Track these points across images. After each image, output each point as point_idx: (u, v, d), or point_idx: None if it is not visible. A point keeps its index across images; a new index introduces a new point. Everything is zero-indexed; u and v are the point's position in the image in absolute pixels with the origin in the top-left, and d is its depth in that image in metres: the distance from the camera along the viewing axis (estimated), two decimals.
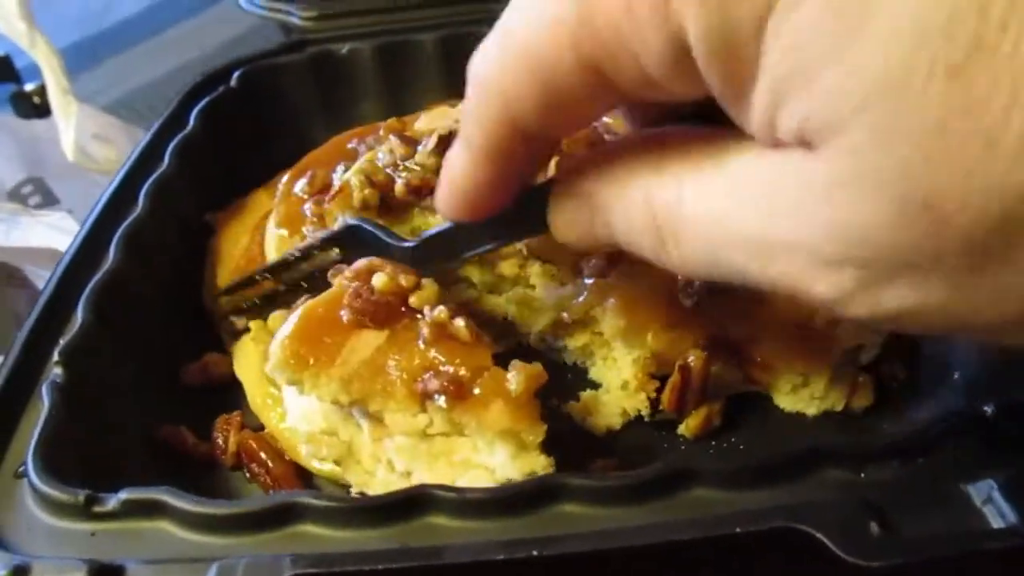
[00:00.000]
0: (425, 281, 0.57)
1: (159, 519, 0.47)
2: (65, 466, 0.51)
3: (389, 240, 0.60)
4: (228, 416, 0.63)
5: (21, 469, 0.51)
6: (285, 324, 0.57)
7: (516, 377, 0.52)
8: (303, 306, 0.57)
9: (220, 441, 0.61)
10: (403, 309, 0.56)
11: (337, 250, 0.65)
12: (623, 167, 0.39)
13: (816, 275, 0.32)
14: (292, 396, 0.60)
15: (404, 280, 0.56)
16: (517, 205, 0.45)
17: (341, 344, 0.54)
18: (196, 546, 0.46)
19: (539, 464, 0.52)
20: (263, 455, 0.59)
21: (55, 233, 1.01)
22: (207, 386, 0.68)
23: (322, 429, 0.58)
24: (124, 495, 0.48)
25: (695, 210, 0.36)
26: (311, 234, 0.69)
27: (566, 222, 0.44)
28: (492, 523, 0.45)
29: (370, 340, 0.55)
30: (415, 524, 0.45)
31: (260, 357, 0.64)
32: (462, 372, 0.52)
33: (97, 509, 0.47)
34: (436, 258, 0.57)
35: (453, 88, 0.96)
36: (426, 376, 0.52)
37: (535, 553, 0.41)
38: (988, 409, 0.47)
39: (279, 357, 0.54)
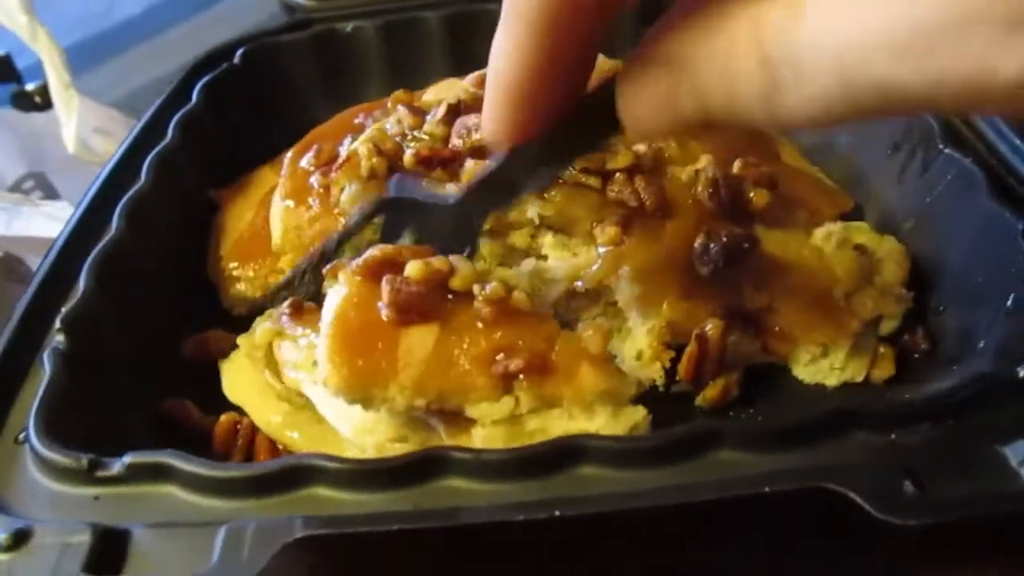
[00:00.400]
0: (455, 260, 0.54)
1: (165, 483, 0.46)
2: (67, 432, 0.49)
3: (428, 200, 0.56)
4: (238, 420, 0.60)
5: (22, 435, 0.50)
6: (321, 341, 0.52)
7: (592, 338, 0.51)
8: (332, 316, 0.52)
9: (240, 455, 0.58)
10: (449, 296, 0.53)
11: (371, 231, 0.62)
12: (711, 10, 0.32)
13: (1001, 50, 0.26)
14: (340, 410, 0.55)
15: (438, 263, 0.53)
16: (577, 111, 0.40)
17: (395, 347, 0.50)
18: (203, 510, 0.45)
19: (639, 415, 0.52)
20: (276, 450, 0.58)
21: (57, 224, 0.99)
22: (207, 360, 0.67)
23: (390, 438, 0.54)
24: (129, 459, 0.46)
25: (818, 21, 0.29)
26: (348, 216, 0.66)
27: (642, 100, 0.36)
28: (510, 485, 0.43)
29: (424, 335, 0.51)
30: (430, 487, 0.44)
31: (257, 373, 0.61)
32: (538, 345, 0.50)
33: (101, 473, 0.46)
34: (488, 206, 0.53)
35: (459, 67, 0.95)
36: (500, 358, 0.50)
37: (557, 514, 0.40)
38: (1022, 371, 0.45)
39: (337, 380, 0.50)
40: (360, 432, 0.55)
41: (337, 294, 0.54)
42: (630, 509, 0.40)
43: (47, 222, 0.99)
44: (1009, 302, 0.54)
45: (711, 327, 0.59)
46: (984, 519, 0.40)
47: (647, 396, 0.62)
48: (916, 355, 0.62)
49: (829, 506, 0.40)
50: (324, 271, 0.57)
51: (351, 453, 0.54)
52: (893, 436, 0.44)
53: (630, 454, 0.44)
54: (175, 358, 0.66)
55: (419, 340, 0.51)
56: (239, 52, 0.90)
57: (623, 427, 0.50)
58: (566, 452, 0.44)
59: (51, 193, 1.16)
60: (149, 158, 0.72)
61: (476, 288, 0.52)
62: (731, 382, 0.60)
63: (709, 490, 0.41)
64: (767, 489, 0.40)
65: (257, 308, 0.71)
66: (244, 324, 0.70)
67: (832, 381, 0.61)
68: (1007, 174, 0.59)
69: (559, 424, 0.51)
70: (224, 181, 0.82)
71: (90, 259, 0.61)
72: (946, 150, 0.63)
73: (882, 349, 0.61)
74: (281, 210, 0.72)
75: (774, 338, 0.61)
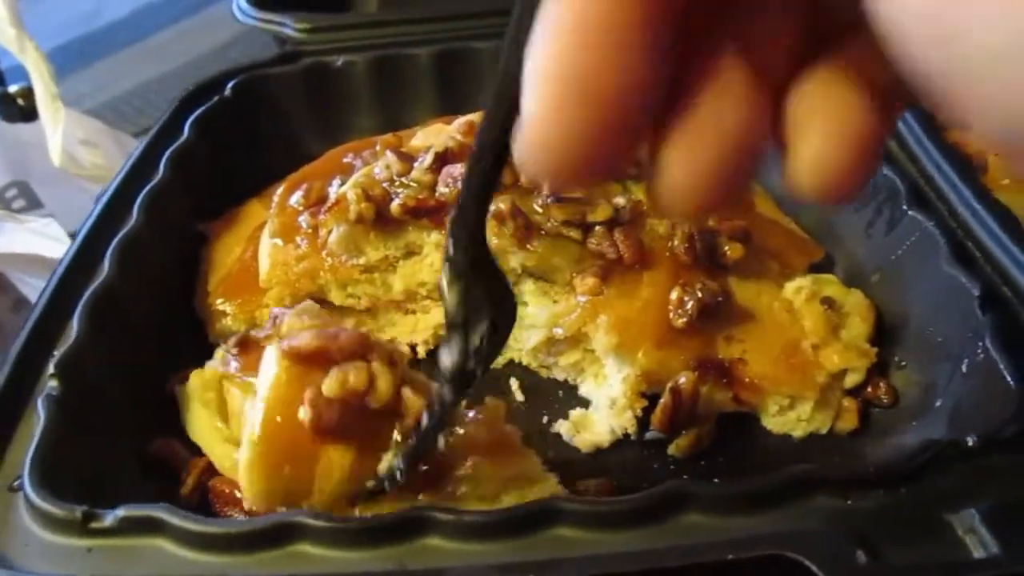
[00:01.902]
0: (378, 370, 0.51)
1: (157, 536, 0.47)
2: (61, 480, 0.51)
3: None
4: (197, 459, 0.61)
5: (16, 483, 0.51)
6: (244, 449, 0.52)
7: (484, 422, 0.55)
8: (259, 417, 0.51)
9: (182, 491, 0.60)
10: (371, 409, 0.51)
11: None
12: None
13: None
14: None
15: (355, 379, 0.50)
16: None
17: (313, 465, 0.51)
18: (193, 564, 0.46)
19: (551, 487, 0.55)
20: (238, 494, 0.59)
21: (40, 239, 1.01)
22: None
23: None
24: (122, 512, 0.48)
25: None
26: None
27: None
28: (489, 545, 0.46)
29: (342, 457, 0.51)
30: (413, 545, 0.46)
31: (211, 418, 0.62)
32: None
33: (94, 525, 0.48)
34: None
35: (448, 103, 0.97)
36: None
37: None
38: (971, 440, 0.48)
39: (253, 496, 0.52)
40: None
41: (268, 372, 0.53)
42: (602, 574, 0.43)
43: (30, 237, 1.00)
44: (964, 366, 0.57)
45: (684, 380, 0.61)
46: None
47: (620, 443, 0.64)
48: (878, 408, 0.65)
49: (789, 572, 0.43)
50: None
51: None
52: (849, 501, 0.47)
53: (604, 516, 0.46)
54: (164, 396, 0.68)
55: (337, 460, 0.51)
56: (230, 85, 0.91)
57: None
58: (544, 514, 0.46)
59: (34, 203, 1.17)
60: (141, 196, 0.74)
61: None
62: (703, 432, 0.62)
63: (678, 555, 0.43)
64: (730, 556, 0.42)
65: None
66: None
67: (798, 432, 0.64)
68: (965, 237, 0.62)
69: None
70: (214, 213, 0.84)
71: (83, 301, 0.62)
72: (910, 212, 0.66)
73: (846, 402, 0.64)
74: (270, 247, 0.74)
75: (744, 389, 0.64)
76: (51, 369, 0.57)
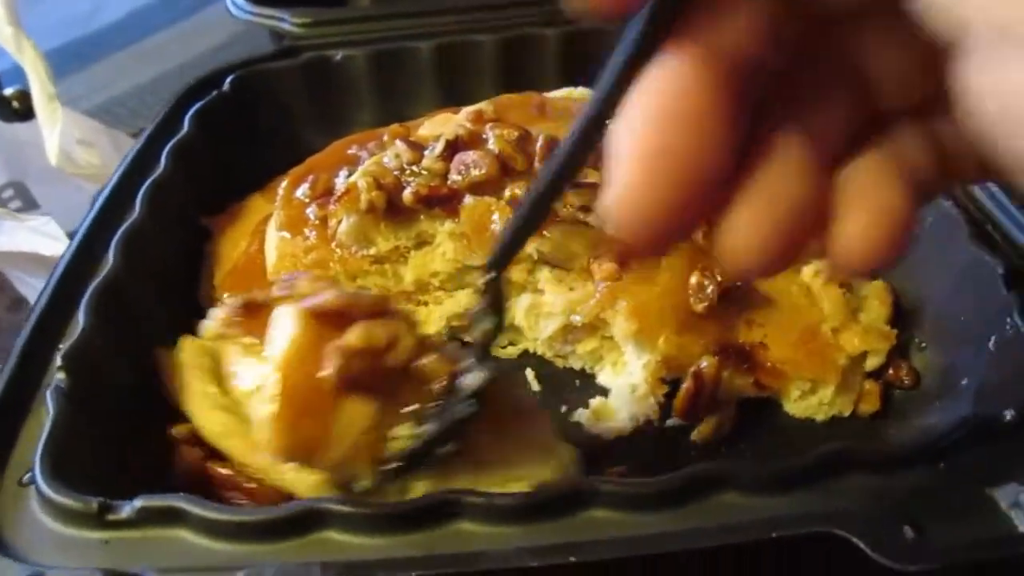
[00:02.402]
0: (400, 327, 0.51)
1: (177, 527, 0.46)
2: (74, 473, 0.49)
3: None
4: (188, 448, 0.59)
5: (27, 477, 0.49)
6: (268, 399, 0.49)
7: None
8: (281, 373, 0.49)
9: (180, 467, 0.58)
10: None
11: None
12: None
13: None
14: None
15: (379, 332, 0.50)
16: None
17: (334, 418, 0.49)
18: (215, 554, 0.45)
19: (567, 456, 0.53)
20: (240, 479, 0.57)
21: (38, 237, 0.99)
22: None
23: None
24: (140, 502, 0.46)
25: None
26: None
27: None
28: (521, 528, 0.44)
29: (363, 411, 0.49)
30: (444, 530, 0.44)
31: (202, 383, 0.59)
32: None
33: (111, 517, 0.46)
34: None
35: (449, 97, 0.96)
36: None
37: (572, 559, 0.41)
38: (1008, 415, 0.47)
39: (276, 448, 0.49)
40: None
41: (286, 332, 0.51)
42: (643, 554, 0.41)
43: (28, 236, 0.98)
44: (991, 344, 0.57)
45: (707, 364, 0.61)
46: (980, 564, 0.41)
47: (641, 430, 0.63)
48: (900, 390, 0.64)
49: (830, 551, 0.42)
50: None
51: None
52: (887, 478, 0.46)
53: (638, 498, 0.45)
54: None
55: (357, 414, 0.49)
56: (229, 79, 0.90)
57: (552, 472, 0.52)
58: (578, 496, 0.45)
59: (30, 203, 1.16)
60: (143, 188, 0.72)
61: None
62: (725, 418, 0.62)
63: (719, 535, 0.42)
64: (775, 534, 0.41)
65: None
66: None
67: (821, 416, 0.63)
68: (985, 220, 0.61)
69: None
70: (216, 208, 0.82)
71: (88, 293, 0.61)
72: None
73: (867, 385, 0.63)
74: (277, 240, 0.73)
75: (765, 373, 0.63)
76: (58, 362, 0.55)
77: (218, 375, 0.59)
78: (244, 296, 0.59)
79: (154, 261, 0.69)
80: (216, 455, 0.58)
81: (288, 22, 0.99)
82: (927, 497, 0.45)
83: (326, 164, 0.79)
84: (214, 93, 0.88)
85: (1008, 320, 0.55)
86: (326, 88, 0.96)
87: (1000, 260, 0.58)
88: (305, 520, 0.45)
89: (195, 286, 0.75)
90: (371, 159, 0.72)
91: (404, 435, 0.50)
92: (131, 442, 0.58)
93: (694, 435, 0.61)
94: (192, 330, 0.71)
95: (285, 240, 0.72)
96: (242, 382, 0.57)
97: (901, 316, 0.67)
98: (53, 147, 1.08)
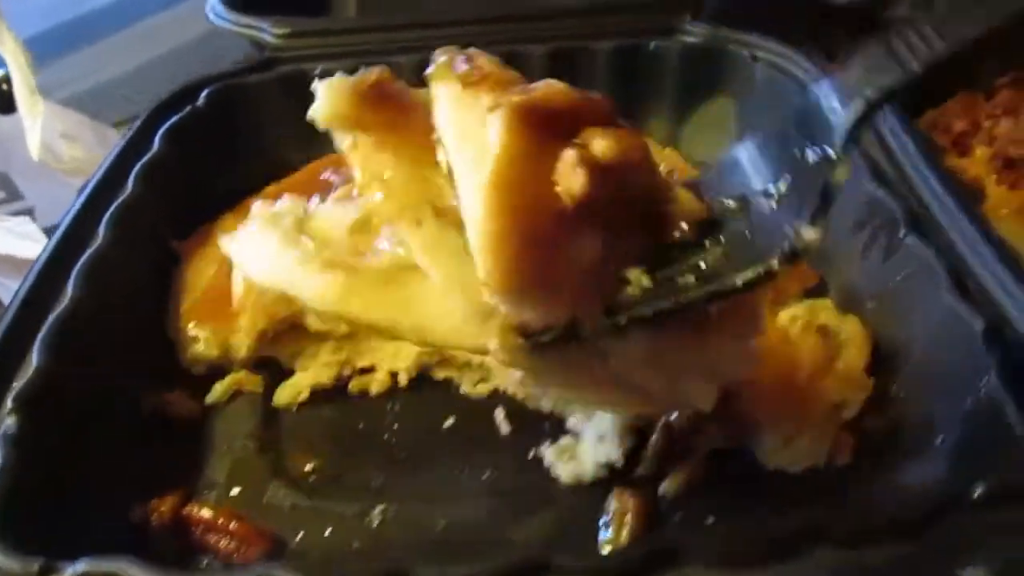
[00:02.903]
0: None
1: None
2: (19, 528, 0.48)
3: None
4: (160, 499, 0.59)
5: None
6: (483, 215, 0.40)
7: None
8: (494, 179, 0.40)
9: (155, 519, 0.58)
10: None
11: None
12: None
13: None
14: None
15: (633, 142, 0.43)
16: None
17: (565, 252, 0.41)
18: None
19: None
20: (222, 520, 0.57)
21: (14, 239, 0.98)
22: (168, 424, 0.66)
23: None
24: (83, 566, 0.45)
25: None
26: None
27: None
28: None
29: (593, 244, 0.41)
30: None
31: (289, 245, 0.53)
32: None
33: None
34: None
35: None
36: None
37: None
38: (977, 492, 0.46)
39: (500, 282, 0.40)
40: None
41: (494, 134, 0.41)
42: None
43: (4, 237, 0.97)
44: (968, 402, 0.55)
45: (677, 415, 0.59)
46: None
47: (608, 477, 0.62)
48: (875, 441, 0.63)
49: None
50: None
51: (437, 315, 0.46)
52: (855, 553, 0.45)
53: (598, 572, 0.44)
54: (136, 424, 0.64)
55: (590, 248, 0.41)
56: (203, 94, 0.88)
57: None
58: (537, 568, 0.44)
59: (14, 194, 1.14)
60: (108, 214, 0.70)
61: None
62: (695, 470, 0.60)
63: None
64: None
65: (215, 368, 0.70)
66: (206, 383, 0.70)
67: (794, 467, 0.62)
68: (964, 271, 0.60)
69: None
70: (188, 229, 0.80)
71: (44, 331, 0.59)
72: (907, 240, 0.64)
73: (843, 436, 0.62)
74: None
75: (738, 424, 0.61)
76: (9, 404, 0.54)
77: (305, 231, 0.53)
78: (380, 68, 0.51)
79: (118, 291, 0.68)
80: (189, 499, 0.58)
81: (268, 32, 0.96)
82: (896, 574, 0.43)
83: (298, 189, 0.77)
84: (188, 108, 0.86)
85: (983, 382, 0.54)
86: (304, 102, 0.93)
87: (979, 316, 0.57)
88: None
89: (164, 312, 0.74)
90: (340, 190, 0.70)
91: (638, 279, 0.43)
92: (89, 493, 0.56)
93: (662, 488, 0.60)
94: (161, 362, 0.70)
95: None
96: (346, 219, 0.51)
97: (880, 363, 0.66)
98: (35, 141, 1.07)
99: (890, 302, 0.66)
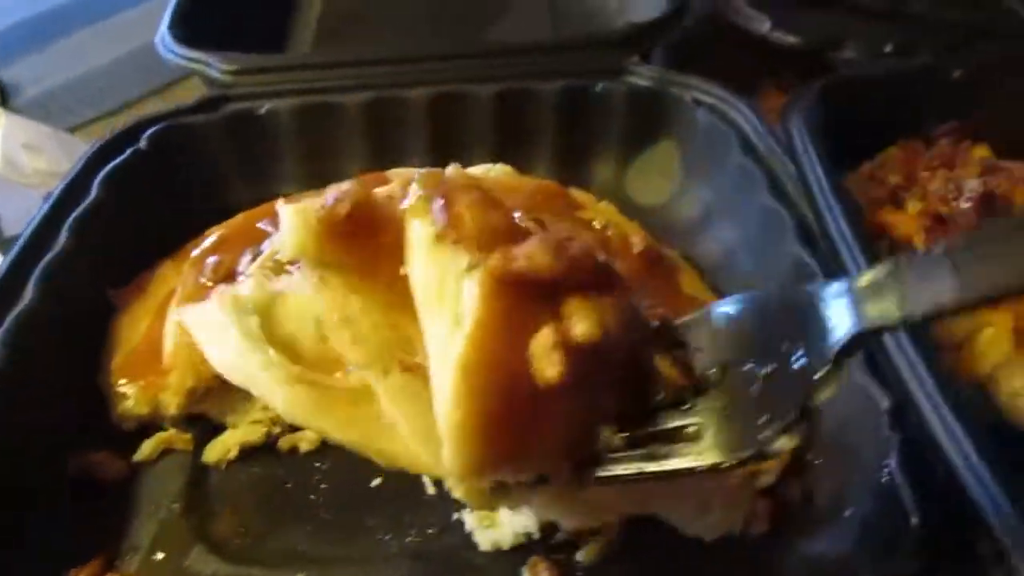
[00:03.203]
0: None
1: None
2: None
3: None
4: (79, 569, 0.59)
5: None
6: (445, 398, 0.39)
7: None
8: (461, 365, 0.38)
9: None
10: None
11: None
12: None
13: None
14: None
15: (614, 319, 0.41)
16: None
17: (542, 426, 0.40)
18: None
19: None
20: None
21: None
22: (94, 488, 0.66)
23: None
24: None
25: None
26: None
27: None
28: None
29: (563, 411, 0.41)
30: None
31: (254, 351, 0.52)
32: None
33: None
34: None
35: (377, 156, 0.94)
36: None
37: None
38: None
39: (462, 479, 0.41)
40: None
41: (467, 302, 0.39)
42: None
43: None
44: (874, 480, 0.56)
45: None
46: None
47: (524, 546, 0.63)
48: (792, 508, 0.64)
49: None
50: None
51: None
52: None
53: None
54: (60, 489, 0.65)
55: (565, 414, 0.39)
56: (145, 135, 0.88)
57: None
58: None
59: None
60: (37, 270, 0.70)
61: None
62: (612, 539, 0.61)
63: None
64: None
65: (147, 424, 0.71)
66: (137, 440, 0.70)
67: (709, 535, 0.63)
68: (877, 350, 0.61)
69: None
70: (130, 273, 0.80)
71: None
72: None
73: (759, 505, 0.63)
74: (175, 326, 0.71)
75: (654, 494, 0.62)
76: None
77: (274, 337, 0.52)
78: (353, 193, 0.45)
79: (46, 350, 0.68)
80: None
81: (216, 68, 0.96)
82: None
83: (233, 239, 0.78)
84: (128, 152, 0.86)
85: (886, 465, 0.55)
86: (251, 143, 0.94)
87: (886, 395, 0.58)
88: None
89: (99, 366, 0.74)
90: (269, 249, 0.70)
91: (608, 440, 0.42)
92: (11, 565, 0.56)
93: (579, 556, 0.61)
94: (92, 422, 0.70)
95: (183, 327, 0.70)
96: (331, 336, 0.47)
97: None
98: None
99: None
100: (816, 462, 0.64)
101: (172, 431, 0.70)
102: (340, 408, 0.49)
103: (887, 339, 0.60)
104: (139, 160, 0.86)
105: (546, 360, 0.38)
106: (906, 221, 0.79)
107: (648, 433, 0.44)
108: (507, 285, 0.39)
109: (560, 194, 0.80)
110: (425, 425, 0.43)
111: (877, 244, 0.78)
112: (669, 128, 0.93)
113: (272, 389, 0.51)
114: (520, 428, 0.39)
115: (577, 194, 0.83)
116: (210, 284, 0.72)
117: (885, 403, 0.57)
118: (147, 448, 0.69)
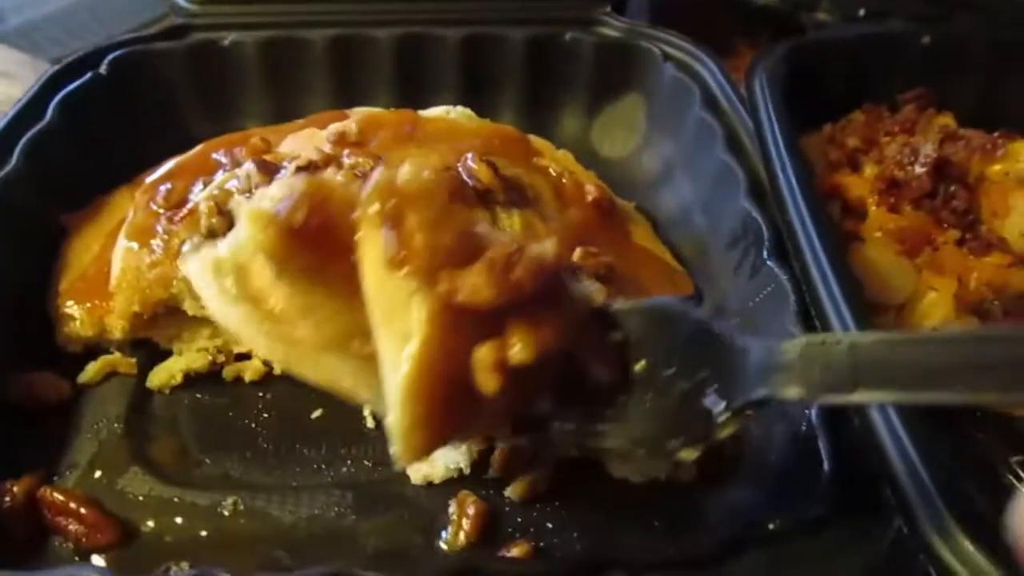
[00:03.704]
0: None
1: None
2: None
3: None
4: (15, 480, 0.60)
5: None
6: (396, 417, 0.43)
7: None
8: (406, 392, 0.43)
9: (7, 500, 0.59)
10: None
11: None
12: None
13: None
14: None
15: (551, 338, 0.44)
16: None
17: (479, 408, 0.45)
18: None
19: None
20: (72, 504, 0.58)
21: None
22: (33, 405, 0.66)
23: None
24: None
25: None
26: None
27: None
28: None
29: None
30: None
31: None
32: None
33: None
34: None
35: (341, 94, 0.94)
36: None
37: None
38: (772, 524, 0.49)
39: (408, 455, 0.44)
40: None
41: (415, 324, 0.42)
42: None
43: None
44: (797, 429, 0.58)
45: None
46: None
47: (454, 479, 0.64)
48: (722, 456, 0.65)
49: None
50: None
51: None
52: None
53: None
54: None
55: (502, 404, 0.44)
56: (106, 60, 0.87)
57: None
58: None
59: None
60: None
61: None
62: (540, 478, 0.62)
63: None
64: None
65: (93, 347, 0.71)
66: (78, 362, 0.70)
67: (637, 478, 0.64)
68: (812, 301, 0.62)
69: None
70: (85, 201, 0.80)
71: None
72: (768, 262, 0.66)
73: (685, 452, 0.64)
74: (123, 250, 0.71)
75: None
76: None
77: (250, 293, 0.53)
78: (308, 196, 0.46)
79: None
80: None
81: None
82: None
83: (189, 168, 0.77)
84: (88, 75, 0.85)
85: (806, 414, 0.56)
86: (213, 74, 0.93)
87: None
88: None
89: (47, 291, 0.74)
90: (219, 179, 0.70)
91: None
92: None
93: (508, 491, 0.62)
94: (38, 344, 0.70)
95: (131, 251, 0.70)
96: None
97: None
98: None
99: (749, 322, 0.68)
100: (749, 413, 0.65)
101: (117, 355, 0.71)
102: (312, 356, 0.52)
103: (822, 297, 0.61)
104: (98, 84, 0.86)
105: (486, 375, 0.41)
106: (860, 184, 0.80)
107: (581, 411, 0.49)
108: (451, 312, 0.42)
109: (518, 139, 0.80)
110: (380, 394, 0.46)
111: (829, 205, 0.79)
112: (637, 81, 0.93)
113: (255, 340, 0.55)
114: (462, 419, 0.44)
115: (536, 141, 0.82)
116: (160, 211, 0.72)
117: None
118: (91, 370, 0.69)
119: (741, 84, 0.84)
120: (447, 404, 0.42)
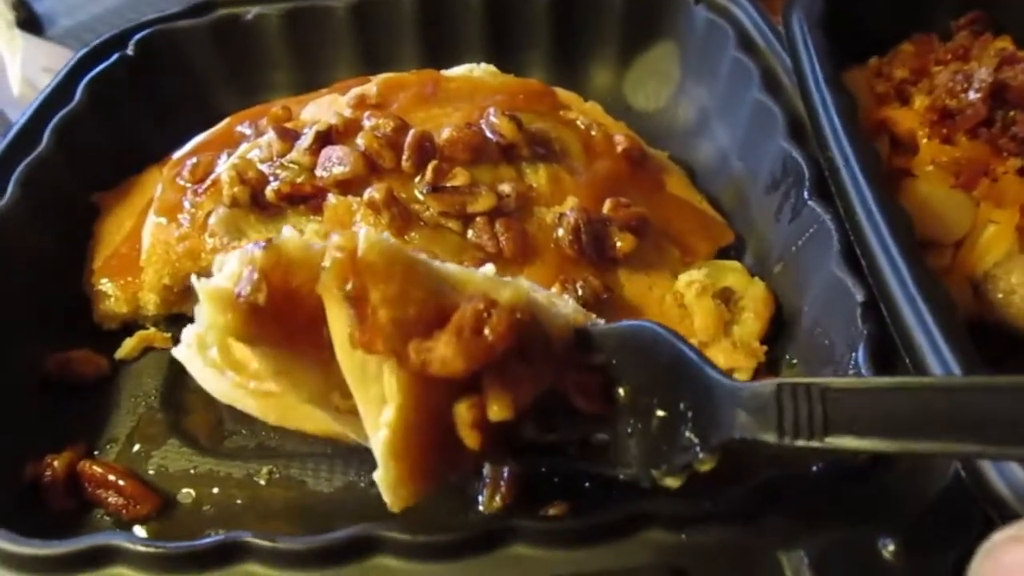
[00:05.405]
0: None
1: None
2: None
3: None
4: (56, 455, 0.60)
5: None
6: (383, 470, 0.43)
7: None
8: (389, 448, 0.42)
9: (49, 474, 0.59)
10: None
11: None
12: None
13: None
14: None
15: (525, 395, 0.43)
16: None
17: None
18: None
19: None
20: (112, 477, 0.58)
21: None
22: (71, 381, 0.67)
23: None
24: None
25: None
26: None
27: None
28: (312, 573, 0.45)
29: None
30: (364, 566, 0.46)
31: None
32: None
33: None
34: None
35: (367, 61, 0.92)
36: None
37: None
38: (815, 469, 0.46)
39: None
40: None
41: (389, 391, 0.42)
42: None
43: None
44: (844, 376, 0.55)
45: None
46: None
47: None
48: None
49: None
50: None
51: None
52: (683, 536, 0.45)
53: (428, 548, 0.45)
54: (37, 391, 0.66)
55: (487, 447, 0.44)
56: (132, 41, 0.87)
57: None
58: (365, 542, 0.45)
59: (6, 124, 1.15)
60: (17, 171, 0.70)
61: None
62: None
63: None
64: None
65: (130, 324, 0.71)
66: (117, 339, 0.71)
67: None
68: (857, 241, 0.58)
69: None
70: (117, 180, 0.80)
71: None
72: (810, 202, 0.62)
73: None
74: (152, 225, 0.71)
75: None
76: None
77: (234, 361, 0.56)
78: (267, 274, 0.44)
79: (23, 252, 0.69)
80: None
81: None
82: (712, 557, 0.44)
83: (215, 142, 0.77)
84: (115, 57, 0.85)
85: (853, 357, 0.53)
86: (238, 49, 0.92)
87: (863, 288, 0.55)
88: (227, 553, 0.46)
89: (83, 269, 0.74)
90: (241, 149, 0.69)
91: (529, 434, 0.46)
92: None
93: None
94: (75, 322, 0.71)
95: (160, 226, 0.70)
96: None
97: (780, 327, 0.65)
98: (15, 76, 1.07)
99: (793, 266, 0.65)
100: (793, 361, 0.63)
101: (153, 330, 0.71)
102: (300, 408, 0.53)
103: (868, 236, 0.57)
104: (124, 65, 0.86)
105: (466, 432, 0.42)
106: (910, 116, 0.75)
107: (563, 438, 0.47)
108: (423, 381, 0.41)
109: (544, 93, 0.78)
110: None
111: (877, 141, 0.74)
112: (668, 27, 0.89)
113: (246, 401, 0.61)
114: (448, 465, 0.44)
115: (562, 94, 0.80)
116: (187, 185, 0.72)
117: (859, 296, 0.55)
118: (128, 346, 0.70)
119: (779, 22, 0.80)
120: (430, 457, 0.43)
